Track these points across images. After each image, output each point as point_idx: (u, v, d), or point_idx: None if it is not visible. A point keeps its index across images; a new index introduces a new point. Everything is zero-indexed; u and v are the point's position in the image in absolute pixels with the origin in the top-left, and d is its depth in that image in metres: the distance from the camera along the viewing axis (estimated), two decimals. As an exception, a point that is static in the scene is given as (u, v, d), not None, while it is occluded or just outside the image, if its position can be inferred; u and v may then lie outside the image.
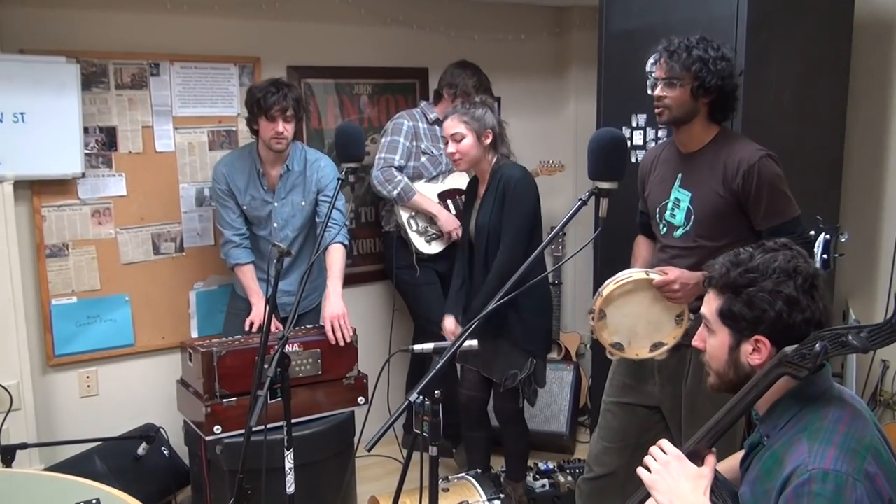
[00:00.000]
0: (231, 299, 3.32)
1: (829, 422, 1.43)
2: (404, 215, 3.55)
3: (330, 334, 2.92)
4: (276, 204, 3.10)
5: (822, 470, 1.35)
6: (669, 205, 2.40)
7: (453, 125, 2.92)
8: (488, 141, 2.92)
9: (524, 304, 2.87)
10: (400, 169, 3.52)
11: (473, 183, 3.12)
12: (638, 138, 3.33)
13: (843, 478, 1.34)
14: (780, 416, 1.50)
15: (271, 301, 2.31)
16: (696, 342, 1.65)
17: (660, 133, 3.23)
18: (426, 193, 3.57)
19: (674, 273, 2.22)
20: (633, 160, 3.27)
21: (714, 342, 1.58)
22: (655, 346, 2.32)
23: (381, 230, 3.78)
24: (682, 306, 2.26)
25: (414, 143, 3.59)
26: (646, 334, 2.31)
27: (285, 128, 2.96)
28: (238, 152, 3.16)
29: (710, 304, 1.59)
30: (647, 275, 2.25)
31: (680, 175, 2.38)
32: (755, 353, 1.51)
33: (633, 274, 2.26)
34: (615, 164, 1.88)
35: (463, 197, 3.44)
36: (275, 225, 3.12)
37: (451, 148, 2.92)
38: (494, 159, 2.96)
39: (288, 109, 2.94)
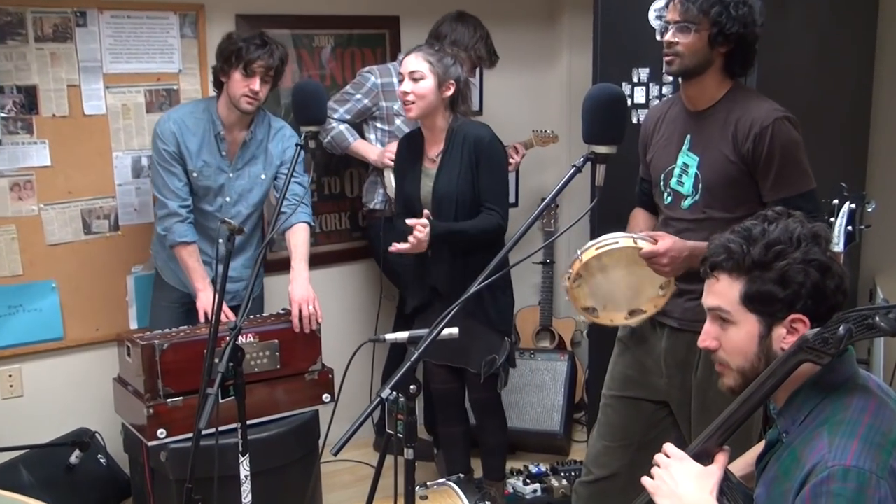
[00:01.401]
0: (156, 289, 3.28)
1: (851, 413, 1.45)
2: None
3: (296, 321, 2.93)
4: (231, 174, 3.07)
5: (842, 466, 1.38)
6: (676, 171, 2.40)
7: (415, 62, 2.91)
8: (448, 93, 2.92)
9: (495, 281, 2.90)
10: (349, 123, 3.57)
11: (414, 140, 3.10)
12: (639, 96, 3.34)
13: (865, 475, 1.36)
14: (799, 409, 1.53)
15: (221, 286, 2.30)
16: (705, 343, 1.63)
17: (664, 90, 3.23)
18: None
19: (665, 244, 2.22)
20: (634, 121, 3.28)
21: (737, 335, 1.57)
22: (633, 314, 2.36)
23: (363, 208, 3.77)
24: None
25: (384, 104, 3.57)
26: (624, 300, 2.35)
27: (261, 88, 2.95)
28: (190, 108, 3.11)
29: (726, 293, 1.57)
30: (635, 242, 2.25)
31: (688, 137, 2.38)
32: (791, 335, 1.52)
33: (619, 240, 2.26)
34: (613, 125, 1.88)
35: None
36: (227, 199, 3.09)
37: (407, 87, 2.90)
38: (451, 118, 2.96)
39: (271, 69, 2.95)
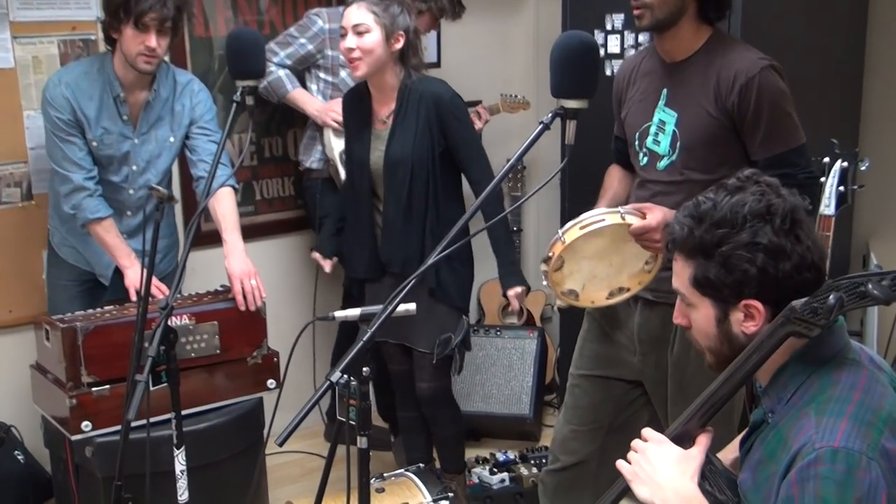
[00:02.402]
0: (52, 266, 3.22)
1: (840, 390, 1.48)
2: (336, 148, 3.49)
3: (240, 297, 2.91)
4: (136, 140, 3.02)
5: (830, 448, 1.40)
6: (652, 128, 2.42)
7: (359, 14, 2.86)
8: (397, 46, 2.89)
9: (455, 253, 2.91)
10: (290, 69, 3.55)
11: (359, 98, 3.07)
12: (613, 45, 3.35)
13: (855, 456, 1.39)
14: (785, 386, 1.55)
15: (150, 261, 2.27)
16: (677, 320, 1.69)
17: (640, 38, 3.24)
18: None
19: (655, 218, 2.24)
20: (608, 72, 3.29)
21: (698, 316, 1.62)
22: (615, 293, 2.38)
23: (299, 168, 3.73)
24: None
25: (329, 52, 3.53)
26: (605, 277, 2.35)
27: (159, 43, 2.86)
28: (82, 68, 3.01)
29: (681, 274, 1.61)
30: (623, 219, 2.26)
31: (665, 91, 2.40)
32: (748, 320, 1.55)
33: (606, 217, 2.27)
34: (585, 77, 1.88)
35: None
36: (133, 168, 3.04)
37: (351, 42, 2.85)
38: (403, 73, 2.94)
39: (167, 20, 2.85)
